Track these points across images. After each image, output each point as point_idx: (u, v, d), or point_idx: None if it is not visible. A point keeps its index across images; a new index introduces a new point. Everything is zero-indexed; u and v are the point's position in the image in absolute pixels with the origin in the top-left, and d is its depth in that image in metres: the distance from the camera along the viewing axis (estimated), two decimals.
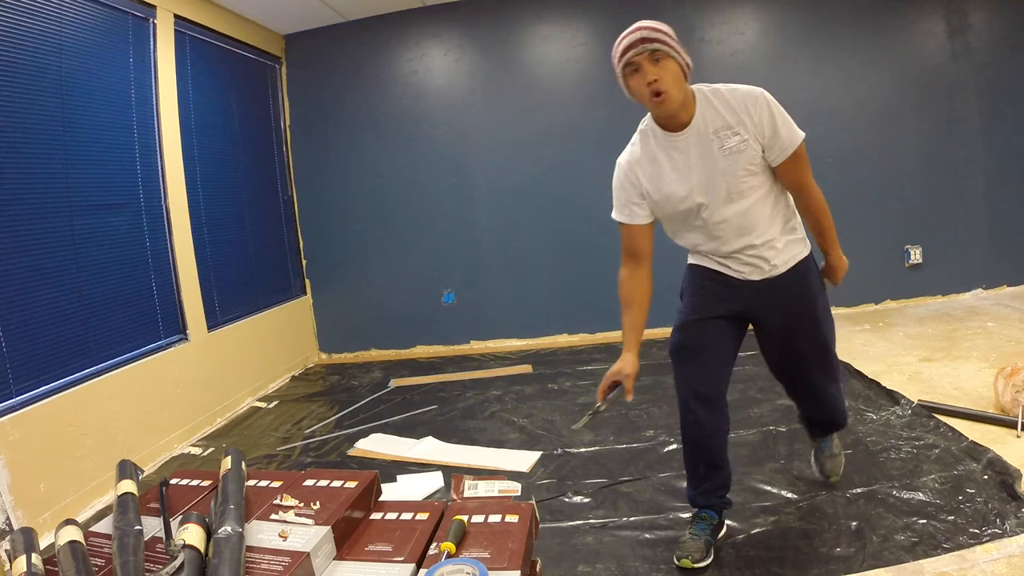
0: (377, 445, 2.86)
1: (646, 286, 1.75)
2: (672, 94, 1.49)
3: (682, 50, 1.52)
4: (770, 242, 1.64)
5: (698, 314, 1.75)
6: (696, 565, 1.68)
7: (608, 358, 3.90)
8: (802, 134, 1.56)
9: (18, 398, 2.35)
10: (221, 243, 3.74)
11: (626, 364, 1.68)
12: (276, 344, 4.18)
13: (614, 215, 1.77)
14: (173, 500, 1.14)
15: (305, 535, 0.97)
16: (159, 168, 3.23)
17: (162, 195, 3.24)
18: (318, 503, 1.06)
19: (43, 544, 1.87)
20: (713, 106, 1.55)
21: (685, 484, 1.86)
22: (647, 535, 1.92)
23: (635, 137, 1.69)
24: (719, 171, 1.56)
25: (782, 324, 1.73)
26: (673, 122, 1.57)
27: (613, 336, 4.38)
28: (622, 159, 1.72)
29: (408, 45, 4.38)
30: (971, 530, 1.73)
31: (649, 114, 1.63)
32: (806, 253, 1.71)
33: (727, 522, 1.88)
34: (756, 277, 1.68)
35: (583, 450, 2.60)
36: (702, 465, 1.77)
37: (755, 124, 1.53)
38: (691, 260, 1.83)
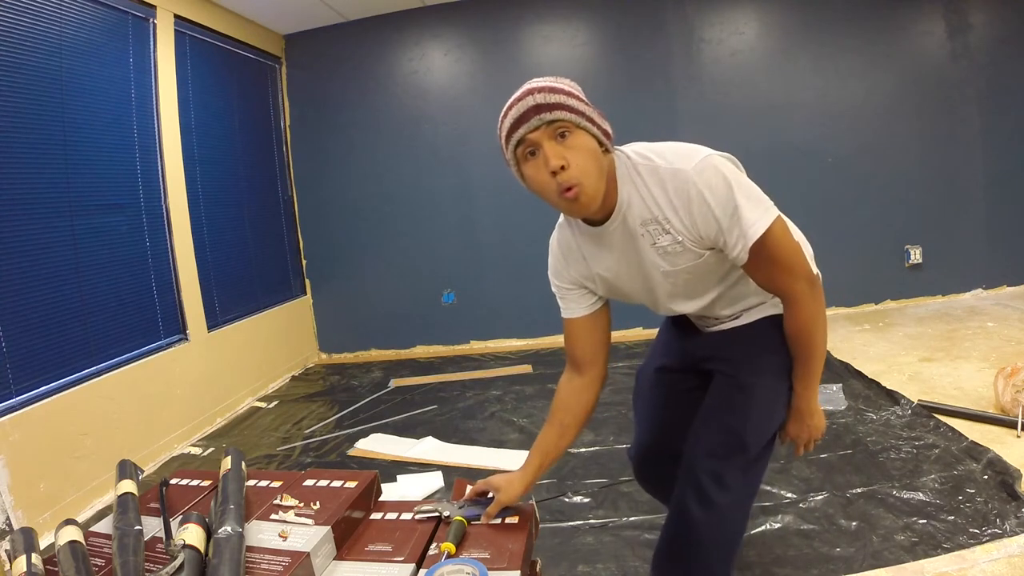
0: (377, 445, 2.86)
1: (579, 401, 1.30)
2: (588, 186, 1.03)
3: (596, 115, 1.11)
4: (746, 309, 1.27)
5: (655, 362, 1.49)
6: None
7: (608, 358, 3.90)
8: (760, 229, 1.03)
9: (18, 398, 2.35)
10: (221, 243, 3.73)
11: (509, 487, 1.17)
12: (276, 344, 4.18)
13: (562, 311, 1.36)
14: (173, 500, 1.14)
15: (305, 535, 0.97)
16: (159, 168, 3.23)
17: (162, 195, 3.24)
18: (318, 503, 1.06)
19: (43, 544, 1.87)
20: (637, 188, 1.10)
21: None
22: (647, 535, 1.92)
23: (562, 218, 1.28)
24: (660, 273, 1.16)
25: (713, 380, 1.31)
26: (587, 216, 1.16)
27: (613, 336, 4.36)
28: (553, 242, 1.31)
29: (408, 45, 4.38)
30: (971, 530, 1.73)
31: None
32: (776, 312, 1.24)
33: None
34: (715, 328, 1.33)
35: (583, 450, 2.60)
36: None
37: (686, 225, 1.08)
38: None
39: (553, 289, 1.32)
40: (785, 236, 1.07)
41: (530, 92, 1.04)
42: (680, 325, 1.42)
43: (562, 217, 1.26)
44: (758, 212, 1.04)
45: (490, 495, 1.18)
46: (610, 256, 1.19)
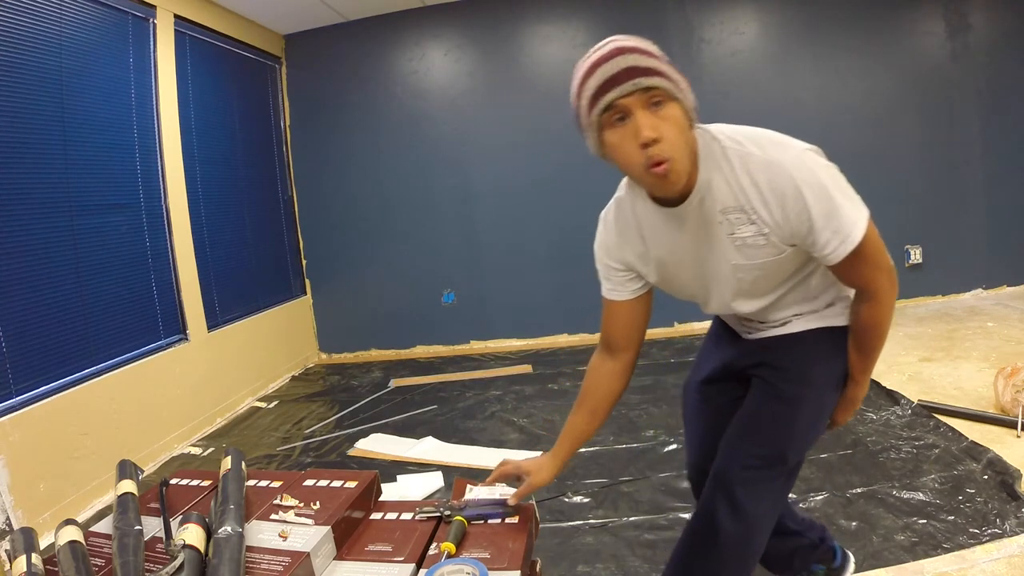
0: (377, 445, 2.86)
1: (612, 386, 1.25)
2: (678, 162, 0.96)
3: (687, 85, 1.00)
4: (797, 315, 1.20)
5: (699, 373, 1.39)
6: None
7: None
8: (860, 229, 0.98)
9: (18, 398, 2.35)
10: (221, 243, 3.73)
11: (540, 471, 1.19)
12: (276, 344, 4.18)
13: (603, 290, 1.27)
14: (173, 500, 1.14)
15: (305, 535, 0.97)
16: (159, 168, 3.23)
17: (162, 195, 3.24)
18: (318, 503, 1.06)
19: (43, 544, 1.87)
20: (724, 173, 1.02)
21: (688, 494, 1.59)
22: (647, 535, 1.92)
23: (622, 193, 1.18)
24: (730, 267, 1.08)
25: (752, 386, 1.25)
26: (660, 196, 1.08)
27: None
28: (607, 219, 1.21)
29: (408, 45, 4.38)
30: (971, 530, 1.73)
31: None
32: (839, 324, 1.18)
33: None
34: (761, 335, 1.25)
35: (583, 450, 2.60)
36: None
37: (776, 219, 1.00)
38: None
39: (598, 265, 1.23)
40: (875, 233, 1.01)
41: (620, 51, 0.92)
42: (723, 333, 1.35)
43: (622, 191, 1.17)
44: (856, 212, 0.98)
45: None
46: (675, 241, 1.10)
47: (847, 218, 0.97)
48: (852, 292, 1.14)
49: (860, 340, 1.14)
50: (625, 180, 1.15)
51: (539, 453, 2.56)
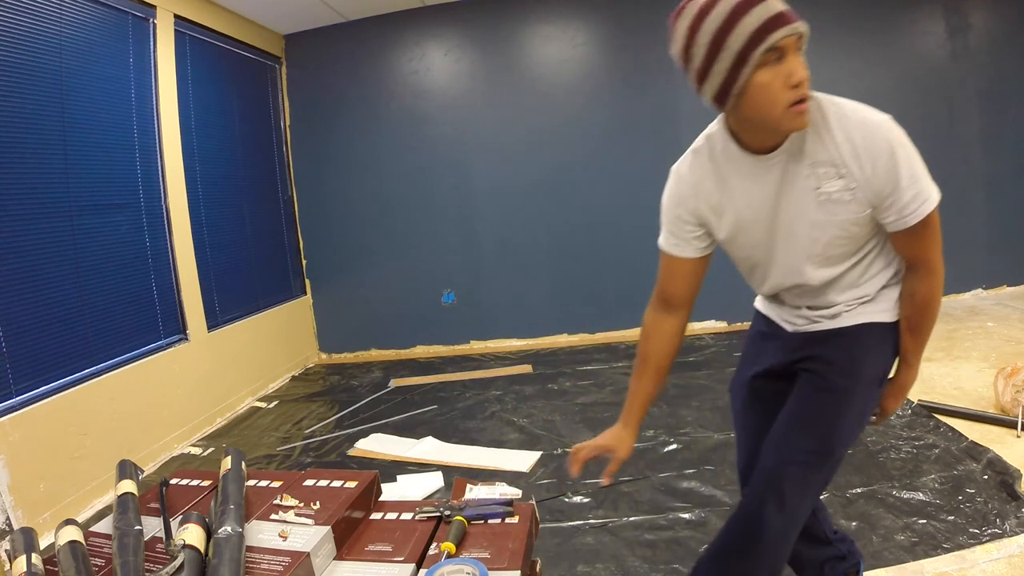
0: (377, 445, 2.86)
1: (673, 343, 1.30)
2: (810, 103, 1.02)
3: None
4: (847, 306, 1.20)
5: (745, 372, 1.38)
6: None
7: (609, 358, 3.91)
8: (936, 197, 1.06)
9: (18, 398, 2.35)
10: (221, 243, 3.74)
11: (621, 443, 1.28)
12: (276, 344, 4.18)
13: (661, 242, 1.28)
14: (173, 500, 1.14)
15: (305, 535, 0.97)
16: (159, 168, 3.23)
17: (162, 195, 3.24)
18: (318, 503, 1.06)
19: (43, 544, 1.87)
20: (817, 127, 1.05)
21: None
22: (647, 535, 1.92)
23: (700, 143, 1.21)
24: (808, 223, 1.10)
25: (799, 379, 1.25)
26: (760, 142, 1.09)
27: (613, 336, 4.38)
28: (680, 170, 1.22)
29: (408, 45, 4.38)
30: (971, 530, 1.73)
31: (721, 117, 1.16)
32: (886, 320, 1.19)
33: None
34: (806, 328, 1.25)
35: None
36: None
37: (867, 175, 1.04)
38: (755, 302, 1.42)
39: (665, 218, 1.24)
40: (936, 210, 1.08)
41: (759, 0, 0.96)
42: (768, 331, 1.33)
43: (702, 142, 1.19)
44: (927, 192, 1.05)
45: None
46: (757, 193, 1.12)
47: (926, 183, 1.05)
48: (901, 280, 1.18)
49: (915, 320, 1.17)
50: (712, 130, 1.18)
51: (539, 454, 2.58)
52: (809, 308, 1.23)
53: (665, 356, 1.29)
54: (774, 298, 1.30)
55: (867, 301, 1.19)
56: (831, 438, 1.15)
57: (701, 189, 1.18)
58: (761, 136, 1.08)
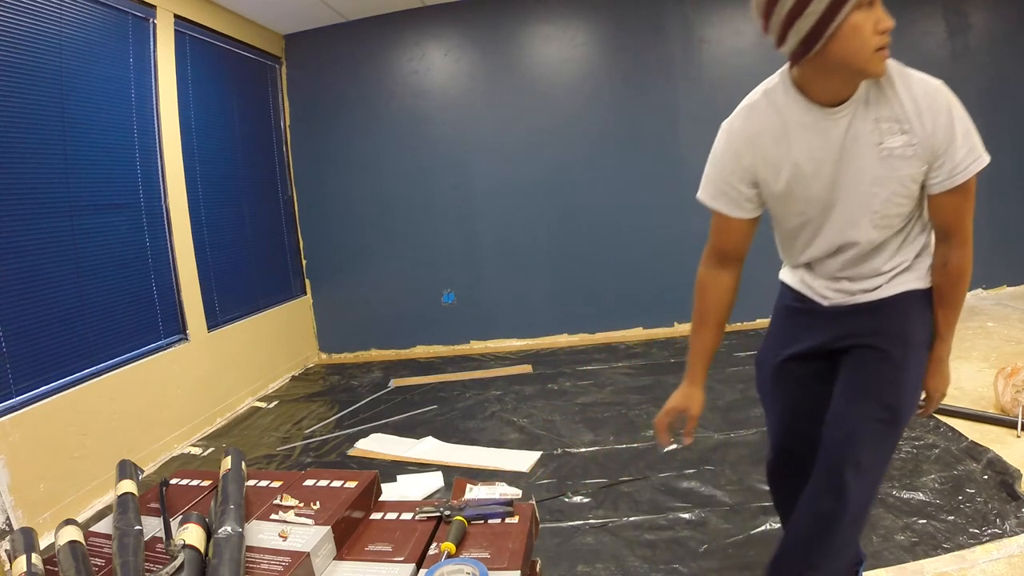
0: (377, 445, 2.86)
1: (731, 297, 1.33)
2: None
3: None
4: (883, 273, 1.22)
5: (778, 351, 1.37)
6: None
7: (609, 358, 3.90)
8: (985, 159, 1.11)
9: (18, 398, 2.35)
10: (221, 243, 3.74)
11: (692, 401, 1.35)
12: (276, 344, 4.18)
13: (705, 198, 1.28)
14: (173, 500, 1.14)
15: (305, 535, 0.97)
16: (159, 168, 3.23)
17: (162, 195, 3.24)
18: (318, 503, 1.06)
19: (43, 544, 1.87)
20: (881, 85, 1.09)
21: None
22: (647, 535, 1.92)
23: (756, 98, 1.20)
24: (869, 179, 1.12)
25: (850, 354, 1.25)
26: (831, 94, 1.10)
27: (613, 336, 4.38)
28: (733, 126, 1.22)
29: (408, 45, 4.38)
30: (971, 530, 1.73)
31: (783, 71, 1.18)
32: (923, 287, 1.22)
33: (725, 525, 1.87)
34: (843, 302, 1.26)
35: (583, 450, 2.60)
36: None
37: (927, 131, 1.08)
38: (781, 274, 1.42)
39: (716, 178, 1.24)
40: (975, 179, 1.12)
41: None
42: (801, 311, 1.32)
43: (759, 97, 1.20)
44: (979, 152, 1.10)
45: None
46: (821, 144, 1.13)
47: (978, 142, 1.10)
48: (931, 251, 1.22)
49: (946, 291, 1.20)
50: (771, 84, 1.19)
51: (539, 454, 2.58)
52: (848, 280, 1.24)
53: (725, 309, 1.33)
54: (808, 269, 1.30)
55: (904, 269, 1.21)
56: (898, 402, 1.18)
57: (758, 143, 1.18)
58: (836, 85, 1.09)
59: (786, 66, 1.17)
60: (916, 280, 1.22)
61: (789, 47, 1.09)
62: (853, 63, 1.04)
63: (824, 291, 1.27)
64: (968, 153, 1.08)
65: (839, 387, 1.24)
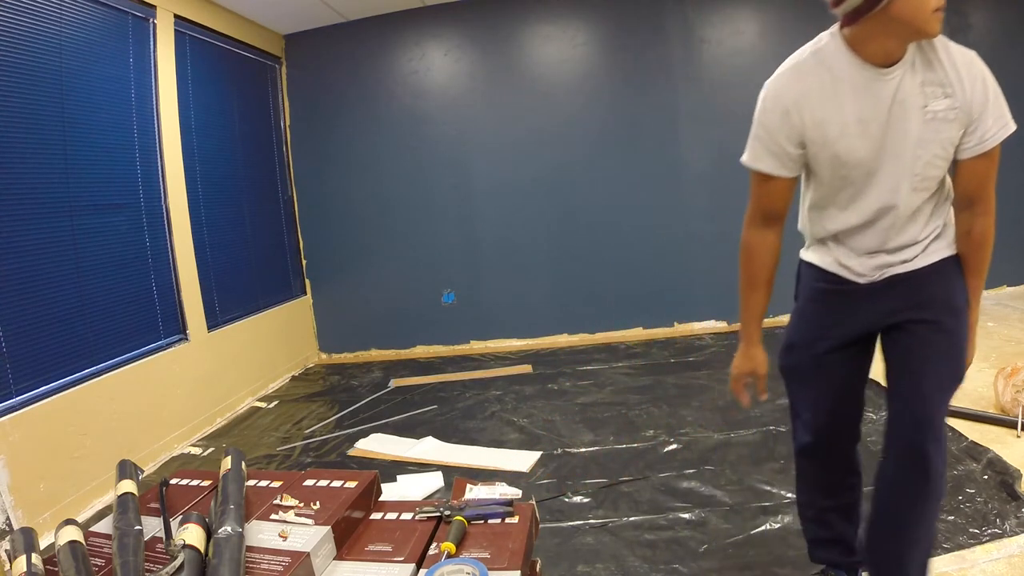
0: (377, 445, 2.86)
1: (778, 256, 1.36)
2: None
3: None
4: (919, 241, 1.25)
5: (817, 344, 1.36)
6: None
7: (609, 358, 3.90)
8: (1012, 125, 1.17)
9: (18, 398, 2.35)
10: (221, 243, 3.74)
11: (756, 362, 1.40)
12: (276, 344, 4.18)
13: (751, 161, 1.27)
14: (173, 500, 1.14)
15: (305, 535, 0.97)
16: (159, 168, 3.23)
17: (162, 195, 3.24)
18: (318, 503, 1.06)
19: (43, 544, 1.87)
20: (924, 50, 1.14)
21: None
22: (647, 535, 1.92)
23: (804, 57, 1.20)
24: (914, 140, 1.15)
25: (908, 325, 1.26)
26: (884, 53, 1.13)
27: (613, 336, 4.37)
28: (780, 84, 1.21)
29: (408, 45, 4.38)
30: (971, 530, 1.73)
31: (832, 32, 1.19)
32: (950, 253, 1.27)
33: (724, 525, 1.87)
34: (881, 276, 1.27)
35: (583, 450, 2.60)
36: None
37: (967, 97, 1.13)
38: (805, 254, 1.40)
39: (764, 137, 1.24)
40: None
41: None
42: (832, 287, 1.33)
43: (806, 57, 1.20)
44: (1008, 119, 1.17)
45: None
46: (871, 104, 1.15)
47: (1006, 110, 1.17)
48: (953, 222, 1.27)
49: (973, 259, 1.27)
50: (821, 45, 1.20)
51: (539, 454, 2.58)
52: (886, 252, 1.25)
53: (773, 268, 1.36)
54: (841, 245, 1.29)
55: (936, 236, 1.25)
56: (959, 369, 1.26)
57: (807, 102, 1.18)
58: (892, 44, 1.12)
59: (835, 27, 1.18)
60: (947, 247, 1.26)
61: (850, 5, 1.11)
62: (913, 22, 1.07)
63: (861, 268, 1.28)
64: (997, 119, 1.15)
65: (902, 365, 1.27)
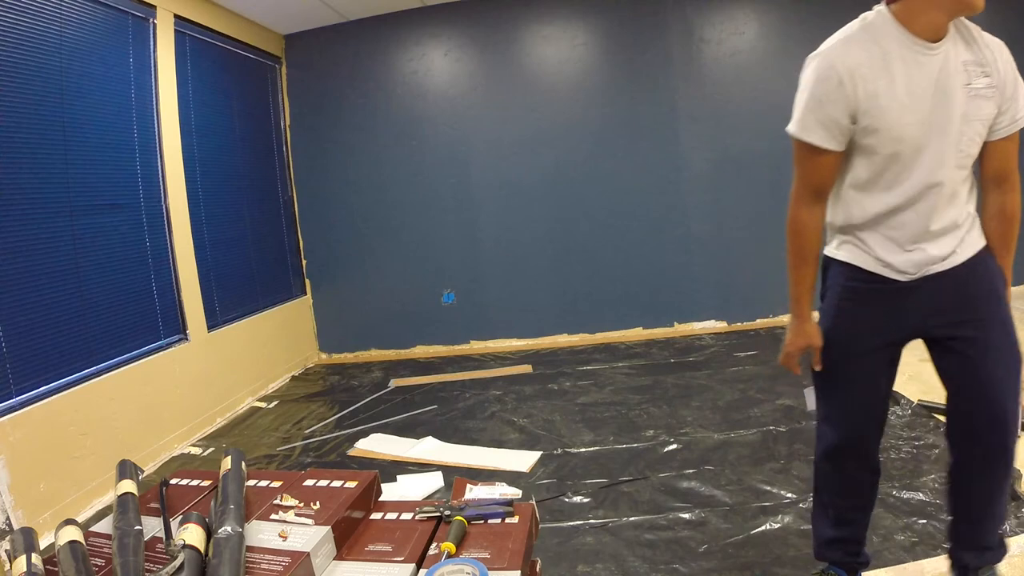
0: (377, 445, 2.86)
1: (822, 229, 1.37)
2: None
3: None
4: (959, 226, 1.26)
5: (848, 336, 1.36)
6: None
7: (609, 358, 3.90)
8: None
9: (18, 398, 2.35)
10: (221, 243, 3.74)
11: (811, 336, 1.37)
12: (276, 344, 4.18)
13: (800, 132, 1.26)
14: (173, 500, 1.14)
15: (305, 535, 0.97)
16: (159, 168, 3.23)
17: (162, 195, 3.24)
18: (318, 503, 1.06)
19: (43, 544, 1.87)
20: (961, 31, 1.20)
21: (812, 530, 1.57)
22: (647, 535, 1.92)
23: (853, 31, 1.22)
24: (959, 116, 1.18)
25: (959, 334, 1.29)
26: (932, 28, 1.16)
27: (613, 336, 4.37)
28: (834, 54, 1.21)
29: (408, 45, 4.38)
30: None
31: (879, 9, 1.21)
32: (982, 243, 1.30)
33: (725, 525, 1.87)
34: (923, 273, 1.27)
35: (583, 450, 2.60)
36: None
37: (1002, 77, 1.19)
38: (836, 253, 1.38)
39: (816, 110, 1.22)
40: None
41: None
42: (870, 286, 1.31)
43: (856, 31, 1.22)
44: None
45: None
46: (920, 78, 1.17)
47: None
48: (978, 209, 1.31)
49: (1007, 236, 1.31)
50: (870, 20, 1.22)
51: (539, 454, 2.58)
52: (927, 242, 1.25)
53: (821, 243, 1.37)
54: (875, 234, 1.28)
55: (970, 226, 1.28)
56: (1017, 350, 1.29)
57: (860, 73, 1.19)
58: (941, 18, 1.16)
59: (880, 5, 1.22)
60: (980, 238, 1.30)
61: None
62: (967, 1, 1.13)
63: (902, 265, 1.27)
64: None
65: (973, 367, 1.28)
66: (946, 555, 1.46)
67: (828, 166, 1.27)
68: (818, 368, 1.39)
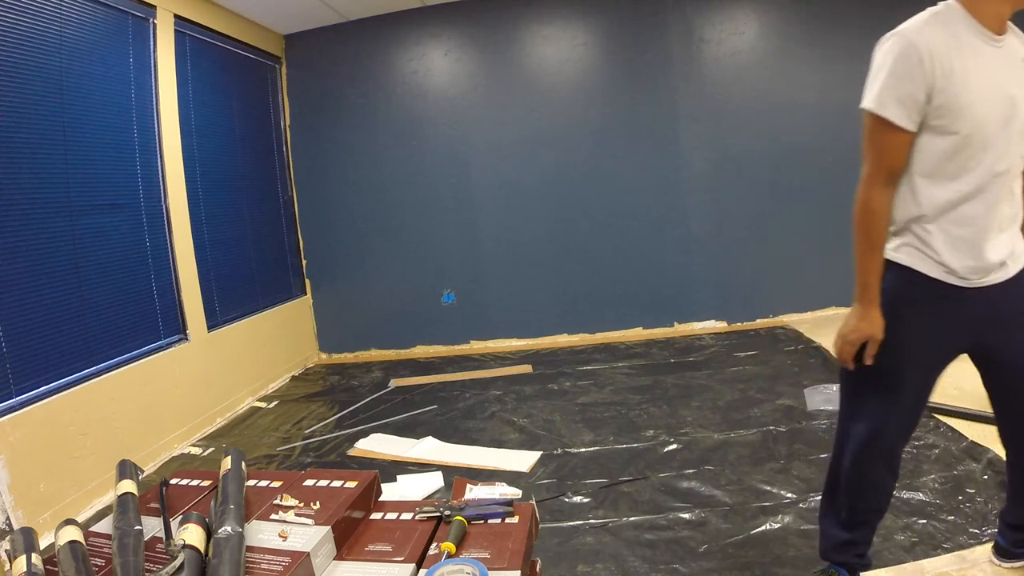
0: (377, 445, 2.86)
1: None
2: None
3: None
4: (1013, 225, 1.29)
5: (901, 352, 1.33)
6: None
7: (609, 358, 3.90)
8: None
9: (18, 398, 2.35)
10: (221, 243, 3.74)
11: (875, 325, 1.31)
12: (276, 344, 4.18)
13: (877, 107, 1.24)
14: (173, 500, 1.14)
15: (305, 535, 0.97)
16: (159, 168, 3.23)
17: (162, 195, 3.24)
18: (318, 503, 1.06)
19: (43, 544, 1.87)
20: (1015, 32, 1.27)
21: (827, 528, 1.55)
22: (647, 535, 1.92)
23: (925, 18, 1.24)
24: (1022, 106, 1.21)
25: (1014, 340, 1.30)
26: (998, 20, 1.22)
27: (613, 336, 4.37)
28: (913, 33, 1.22)
29: (408, 45, 4.38)
30: (971, 530, 1.74)
31: (946, 2, 1.25)
32: None
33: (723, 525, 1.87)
34: (991, 280, 1.27)
35: (583, 450, 2.60)
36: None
37: None
38: (895, 255, 1.33)
39: (897, 88, 1.22)
40: None
41: None
42: (928, 294, 1.30)
43: (928, 18, 1.23)
44: None
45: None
46: (989, 67, 1.21)
47: None
48: None
49: None
50: (940, 9, 1.24)
51: (539, 454, 2.58)
52: (987, 239, 1.25)
53: (887, 229, 1.33)
54: (938, 228, 1.27)
55: (1019, 229, 1.31)
56: None
57: (936, 53, 1.20)
58: (1006, 9, 1.21)
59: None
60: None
61: None
62: None
63: (965, 271, 1.26)
64: None
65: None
66: (994, 538, 1.55)
67: (902, 146, 1.26)
68: (870, 363, 1.32)
